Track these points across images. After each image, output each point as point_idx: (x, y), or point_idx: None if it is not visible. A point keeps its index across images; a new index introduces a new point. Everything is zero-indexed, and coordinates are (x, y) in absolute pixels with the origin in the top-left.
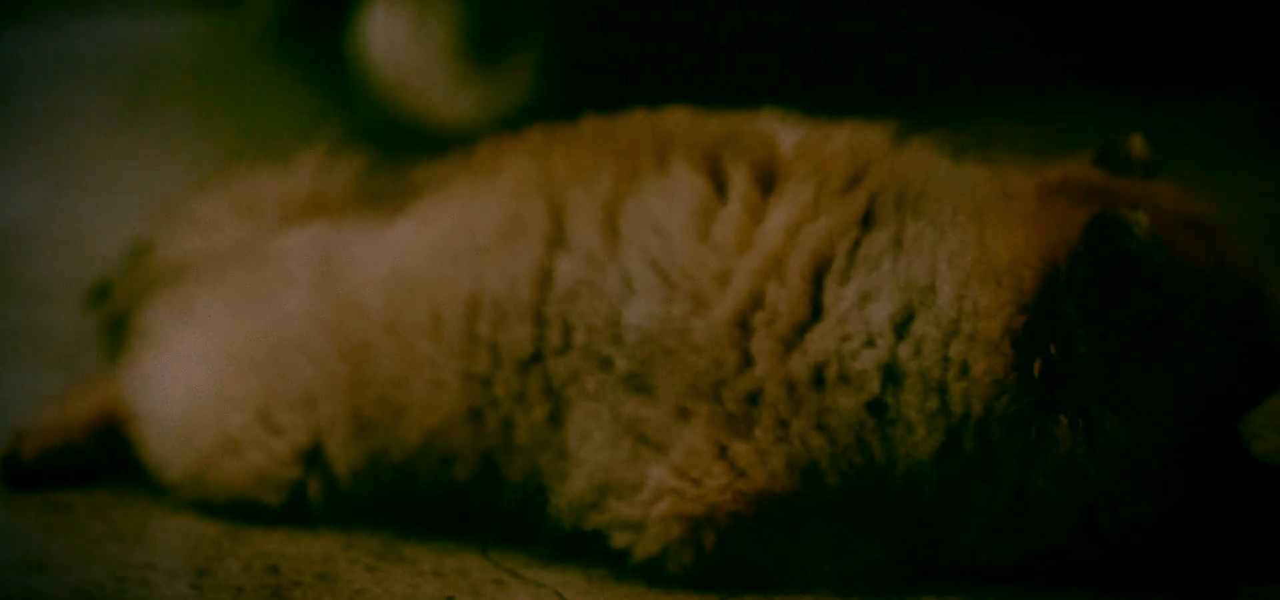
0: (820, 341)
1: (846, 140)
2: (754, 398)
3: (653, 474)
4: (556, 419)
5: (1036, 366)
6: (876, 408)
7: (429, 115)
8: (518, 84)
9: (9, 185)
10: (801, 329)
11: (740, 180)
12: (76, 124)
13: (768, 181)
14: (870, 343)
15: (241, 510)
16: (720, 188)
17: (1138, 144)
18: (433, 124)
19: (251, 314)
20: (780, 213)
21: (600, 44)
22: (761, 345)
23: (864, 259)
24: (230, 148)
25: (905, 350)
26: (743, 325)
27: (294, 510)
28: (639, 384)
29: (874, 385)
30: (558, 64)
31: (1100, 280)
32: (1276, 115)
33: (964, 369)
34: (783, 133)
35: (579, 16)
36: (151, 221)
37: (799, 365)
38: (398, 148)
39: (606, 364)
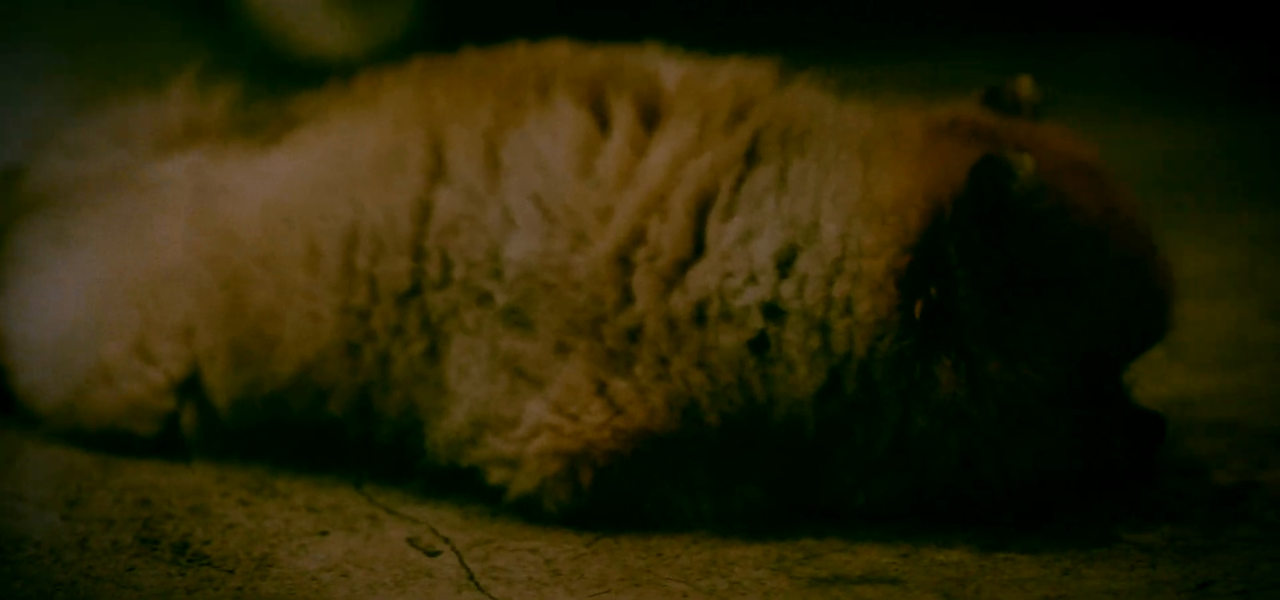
0: (702, 278)
1: (731, 76)
2: (634, 335)
3: (530, 410)
4: (434, 353)
5: (917, 307)
6: (758, 346)
7: (304, 45)
8: (395, 15)
9: None
10: (683, 266)
11: (623, 115)
12: None
13: (651, 117)
14: (752, 280)
15: (114, 441)
16: (603, 122)
17: (1026, 85)
18: (308, 54)
19: (128, 242)
20: (663, 148)
21: None
22: (642, 282)
23: (747, 196)
24: (101, 78)
25: (788, 288)
26: (624, 261)
27: (168, 442)
28: (518, 319)
29: (756, 323)
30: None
31: (982, 222)
32: (1165, 56)
33: (847, 308)
34: (666, 68)
35: None
36: (21, 148)
37: (680, 302)
38: (275, 78)
39: (485, 298)
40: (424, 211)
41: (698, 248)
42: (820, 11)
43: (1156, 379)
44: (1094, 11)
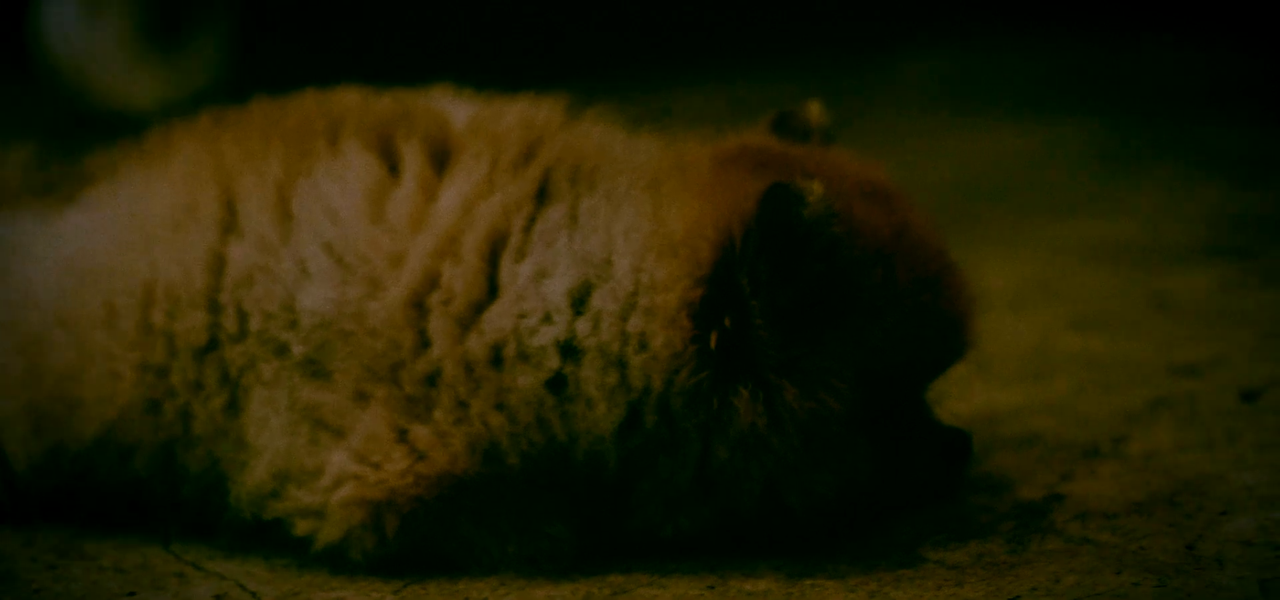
0: (497, 320)
1: (519, 115)
2: (432, 379)
3: (332, 460)
4: (234, 407)
5: (713, 339)
6: (556, 385)
7: (113, 101)
8: (201, 67)
9: None
10: (478, 308)
11: (413, 158)
12: None
13: (441, 159)
14: (548, 319)
15: None
16: (393, 167)
17: (815, 110)
18: (118, 110)
19: None
20: (453, 190)
21: (283, 24)
22: (438, 326)
23: (539, 235)
24: None
25: (583, 326)
26: (419, 306)
27: None
28: (316, 369)
29: (553, 362)
30: (242, 46)
31: (772, 251)
32: (971, 67)
33: (642, 343)
34: (455, 109)
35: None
36: None
37: (476, 345)
38: (78, 132)
39: (283, 350)
40: (218, 264)
41: (492, 289)
42: (621, 40)
43: (961, 396)
44: (903, 25)
